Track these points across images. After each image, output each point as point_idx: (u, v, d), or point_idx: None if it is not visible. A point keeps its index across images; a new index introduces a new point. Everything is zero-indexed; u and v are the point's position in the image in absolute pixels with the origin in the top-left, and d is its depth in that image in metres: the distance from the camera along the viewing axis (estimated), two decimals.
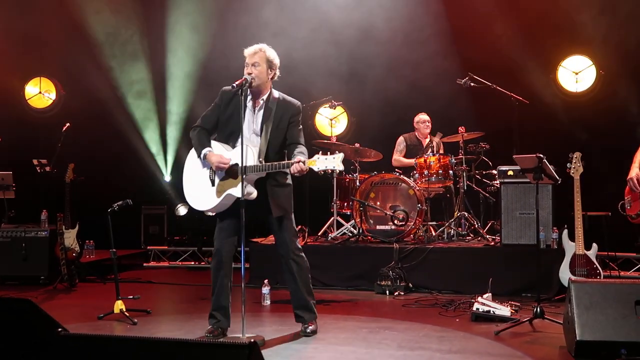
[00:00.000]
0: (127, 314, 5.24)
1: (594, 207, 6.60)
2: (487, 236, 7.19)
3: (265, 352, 4.19)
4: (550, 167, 5.27)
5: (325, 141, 7.90)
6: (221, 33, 8.96)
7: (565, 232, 5.92)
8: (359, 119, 9.45)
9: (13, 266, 7.24)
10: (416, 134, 8.17)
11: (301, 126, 4.76)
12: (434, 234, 7.43)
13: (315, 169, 4.29)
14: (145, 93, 9.55)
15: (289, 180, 4.73)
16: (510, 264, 6.48)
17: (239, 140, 4.36)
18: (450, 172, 7.33)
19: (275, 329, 4.93)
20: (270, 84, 4.71)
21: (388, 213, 7.08)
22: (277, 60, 4.68)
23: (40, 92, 9.95)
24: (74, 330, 2.78)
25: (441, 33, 8.58)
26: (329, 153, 4.31)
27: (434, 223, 7.62)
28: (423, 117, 8.11)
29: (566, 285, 4.53)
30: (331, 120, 9.08)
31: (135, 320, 5.18)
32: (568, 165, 5.58)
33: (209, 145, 4.64)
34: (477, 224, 7.43)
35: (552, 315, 4.95)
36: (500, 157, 7.18)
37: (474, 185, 7.68)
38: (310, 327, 4.73)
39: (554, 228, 6.46)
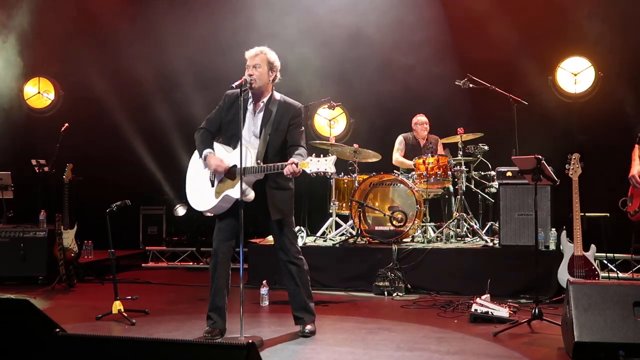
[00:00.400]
0: (126, 315, 5.24)
1: (593, 208, 6.60)
2: (486, 237, 7.18)
3: (263, 353, 4.21)
4: (549, 168, 5.27)
5: (324, 142, 7.90)
6: (221, 33, 8.96)
7: (564, 233, 5.93)
8: (358, 119, 9.45)
9: (11, 266, 7.23)
10: (414, 134, 8.17)
11: (303, 128, 4.75)
12: (432, 234, 7.43)
13: (308, 171, 4.28)
14: (144, 93, 9.54)
15: (292, 184, 4.72)
16: (508, 265, 6.48)
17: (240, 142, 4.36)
18: (449, 173, 7.34)
19: (273, 330, 4.94)
20: (272, 86, 4.71)
21: (387, 214, 7.08)
22: (278, 63, 4.69)
23: (39, 92, 9.95)
24: (72, 330, 2.78)
25: (440, 34, 8.59)
26: (321, 155, 4.30)
27: (433, 224, 7.63)
28: (421, 118, 8.12)
29: (564, 286, 4.54)
30: (330, 121, 9.09)
31: (134, 320, 5.18)
32: (567, 166, 5.59)
33: (211, 146, 4.66)
34: (476, 225, 7.44)
35: (551, 317, 4.95)
36: (499, 158, 7.19)
37: (472, 186, 7.68)
38: (308, 328, 4.72)
39: (553, 229, 6.46)
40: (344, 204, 7.64)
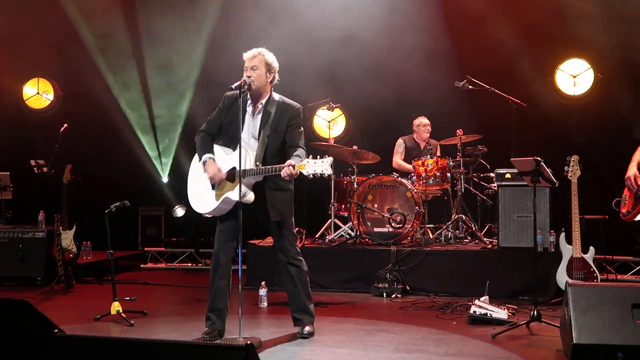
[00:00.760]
0: (124, 316, 5.24)
1: (592, 210, 6.60)
2: (485, 239, 7.19)
3: (262, 354, 4.21)
4: (548, 170, 5.27)
5: (323, 143, 7.90)
6: (221, 33, 8.96)
7: (563, 235, 5.92)
8: (357, 121, 9.45)
9: (10, 267, 7.22)
10: (414, 136, 8.17)
11: (302, 129, 4.74)
12: (431, 236, 7.43)
13: (305, 173, 4.27)
14: (143, 94, 9.54)
15: (291, 185, 4.71)
16: (507, 267, 6.48)
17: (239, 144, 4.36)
18: (448, 174, 7.34)
19: (272, 331, 4.94)
20: (270, 88, 4.71)
21: (385, 215, 7.08)
22: (276, 64, 4.69)
23: (38, 93, 9.95)
24: (71, 331, 2.77)
25: (440, 35, 8.58)
26: (318, 157, 4.30)
27: (432, 225, 7.63)
28: (423, 120, 8.11)
29: (563, 288, 4.54)
30: (329, 122, 9.09)
31: (132, 321, 5.17)
32: (565, 168, 5.59)
33: (210, 151, 4.66)
34: (475, 226, 7.44)
35: (549, 319, 4.94)
36: (498, 160, 7.18)
37: (471, 188, 7.68)
38: (307, 329, 4.72)
39: (552, 231, 6.47)
40: (343, 206, 7.64)
